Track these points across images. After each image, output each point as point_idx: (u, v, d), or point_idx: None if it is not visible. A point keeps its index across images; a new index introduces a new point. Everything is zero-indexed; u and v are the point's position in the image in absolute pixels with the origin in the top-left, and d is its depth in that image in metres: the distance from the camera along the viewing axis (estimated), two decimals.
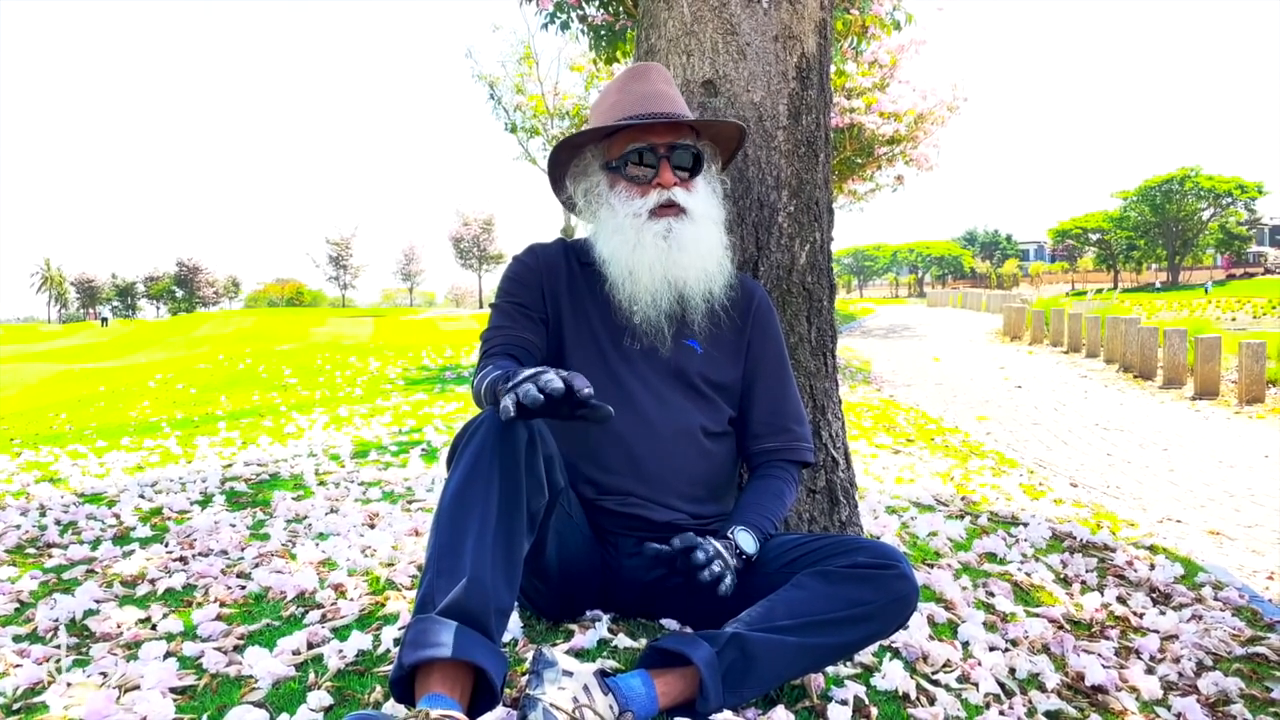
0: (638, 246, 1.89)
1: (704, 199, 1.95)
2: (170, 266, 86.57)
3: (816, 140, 2.38)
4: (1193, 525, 5.07)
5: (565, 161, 2.05)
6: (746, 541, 1.81)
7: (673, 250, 1.88)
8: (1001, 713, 1.84)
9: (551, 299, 1.98)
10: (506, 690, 1.69)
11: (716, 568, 1.67)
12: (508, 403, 1.40)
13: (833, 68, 9.64)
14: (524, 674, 1.71)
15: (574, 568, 1.90)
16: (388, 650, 1.87)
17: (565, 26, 7.72)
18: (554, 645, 1.85)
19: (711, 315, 1.97)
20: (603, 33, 7.47)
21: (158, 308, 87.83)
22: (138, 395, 10.13)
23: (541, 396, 1.39)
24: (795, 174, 2.33)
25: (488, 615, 1.46)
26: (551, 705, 1.45)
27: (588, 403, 1.43)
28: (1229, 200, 53.35)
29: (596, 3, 7.35)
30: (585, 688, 1.50)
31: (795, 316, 2.36)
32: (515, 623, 1.95)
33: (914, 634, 2.04)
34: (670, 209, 1.90)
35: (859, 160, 14.01)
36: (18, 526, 3.10)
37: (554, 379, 1.41)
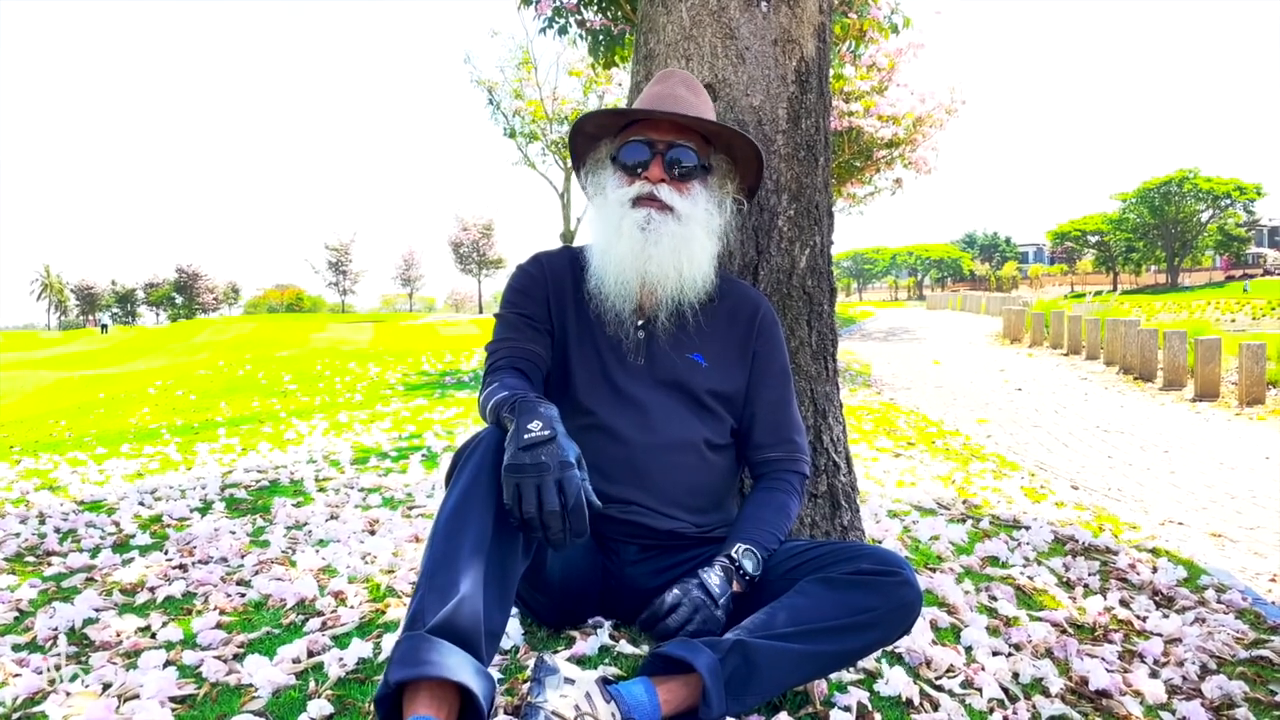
0: (617, 233, 1.89)
1: (697, 205, 1.93)
2: (170, 273, 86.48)
3: (816, 144, 2.37)
4: (1194, 528, 5.06)
5: (584, 153, 2.08)
6: (750, 563, 1.81)
7: (648, 243, 1.87)
8: (1005, 718, 1.83)
9: (557, 309, 1.97)
10: (509, 698, 1.69)
11: (682, 614, 1.69)
12: (530, 508, 1.48)
13: (831, 71, 9.70)
14: (525, 681, 1.70)
15: (575, 578, 1.90)
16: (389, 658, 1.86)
17: (563, 31, 7.72)
18: (556, 652, 1.84)
19: (698, 320, 1.95)
20: (601, 37, 7.47)
21: (157, 314, 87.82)
22: (137, 402, 10.12)
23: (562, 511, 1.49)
24: (795, 178, 2.32)
25: (478, 636, 1.44)
26: (553, 713, 1.44)
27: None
28: (1227, 202, 53.29)
29: (595, 7, 7.35)
30: (587, 695, 1.49)
31: (795, 320, 2.35)
32: (517, 630, 1.94)
33: (917, 639, 2.03)
34: (653, 202, 1.89)
35: (858, 163, 14.03)
36: (17, 535, 3.09)
37: (579, 485, 1.52)
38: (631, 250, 1.87)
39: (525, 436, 1.52)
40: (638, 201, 1.90)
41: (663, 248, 1.87)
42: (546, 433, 1.53)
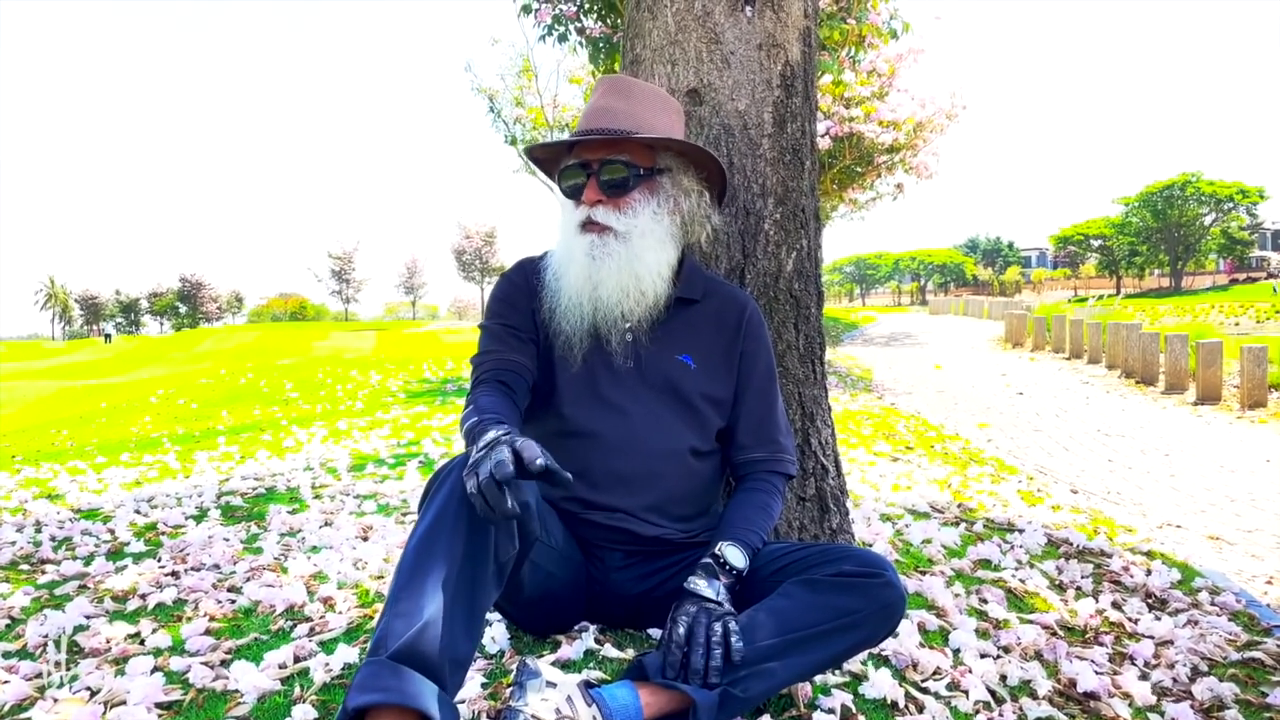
0: (569, 259, 1.91)
1: (639, 216, 1.90)
2: (174, 282, 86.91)
3: (802, 148, 2.38)
4: (1192, 530, 5.05)
5: (552, 174, 2.07)
6: (735, 557, 1.79)
7: (595, 269, 1.87)
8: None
9: (540, 318, 1.97)
10: (492, 702, 1.69)
11: (717, 629, 1.62)
12: (471, 488, 1.43)
13: (830, 77, 9.71)
14: (508, 685, 1.70)
15: (559, 594, 1.89)
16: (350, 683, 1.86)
17: (563, 39, 7.76)
18: (540, 656, 1.84)
19: (687, 321, 1.96)
20: (600, 44, 7.50)
21: (161, 324, 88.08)
22: (139, 411, 10.13)
23: (495, 481, 1.40)
24: (781, 181, 2.33)
25: (442, 664, 1.39)
26: (533, 716, 1.44)
27: (545, 471, 1.43)
28: (1231, 205, 53.13)
29: (594, 15, 7.39)
30: (568, 699, 1.49)
31: (783, 324, 2.35)
32: (502, 634, 1.94)
33: (904, 641, 2.03)
34: (593, 227, 1.89)
35: (859, 169, 14.00)
36: (13, 543, 3.09)
37: (504, 459, 1.41)
38: (581, 275, 1.88)
39: (480, 444, 1.51)
40: (583, 227, 1.90)
41: (608, 270, 1.87)
42: (499, 434, 1.51)
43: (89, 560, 2.84)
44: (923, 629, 2.22)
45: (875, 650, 2.00)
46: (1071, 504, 4.70)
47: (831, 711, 1.71)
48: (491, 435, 1.51)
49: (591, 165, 1.91)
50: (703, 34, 2.29)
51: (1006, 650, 2.22)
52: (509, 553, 1.56)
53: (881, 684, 1.82)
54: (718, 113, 2.30)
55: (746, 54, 2.30)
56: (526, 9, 7.72)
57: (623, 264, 1.87)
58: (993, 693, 1.95)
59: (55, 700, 1.77)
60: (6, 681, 1.86)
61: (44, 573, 2.73)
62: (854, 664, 1.93)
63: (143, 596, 2.42)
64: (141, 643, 2.08)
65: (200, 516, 3.46)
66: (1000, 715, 1.85)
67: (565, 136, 2.00)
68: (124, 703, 1.74)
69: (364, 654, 1.90)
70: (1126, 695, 2.07)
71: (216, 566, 2.71)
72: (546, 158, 2.07)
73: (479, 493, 1.41)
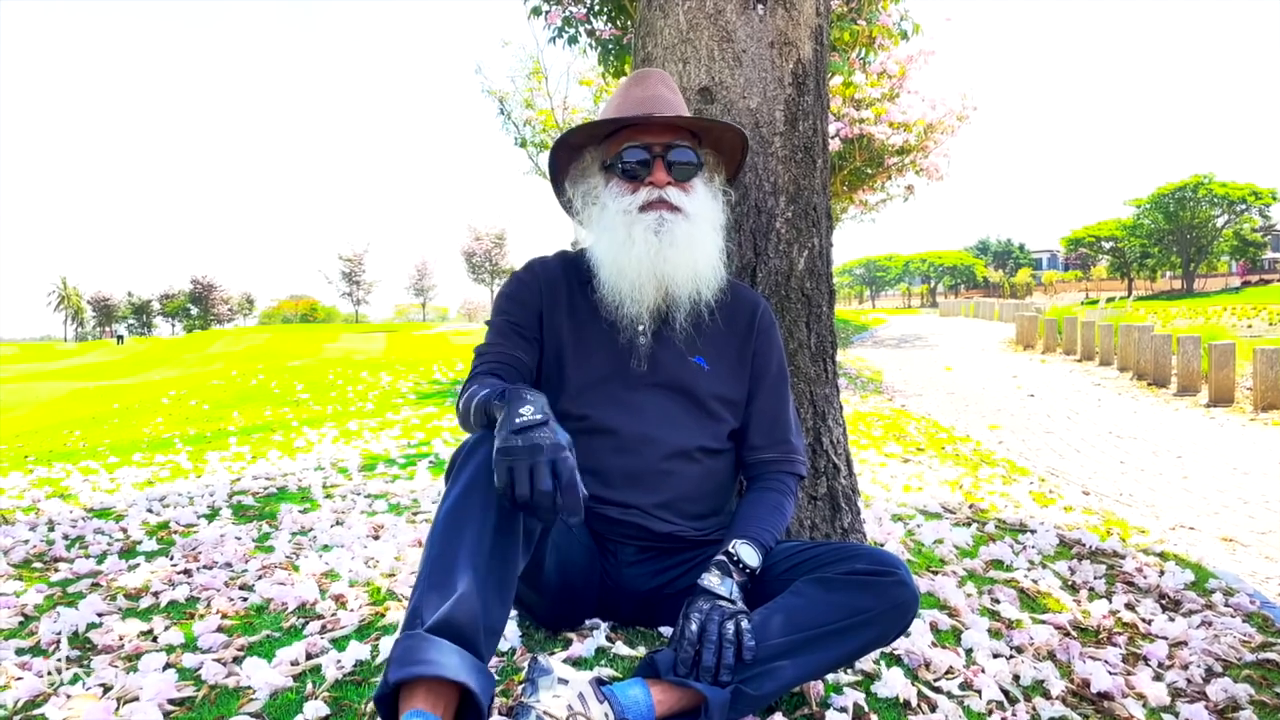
0: (628, 241, 1.88)
1: (701, 201, 1.94)
2: (185, 284, 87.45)
3: (814, 146, 2.37)
4: (1205, 532, 5.02)
5: (565, 165, 2.06)
6: (749, 555, 1.79)
7: (663, 246, 1.86)
8: (1004, 719, 1.83)
9: (550, 317, 1.97)
10: (503, 699, 1.69)
11: (730, 628, 1.61)
12: (503, 475, 1.45)
13: (841, 78, 9.69)
14: (521, 682, 1.70)
15: (573, 580, 1.90)
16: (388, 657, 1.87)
17: (573, 41, 7.78)
18: (551, 653, 1.84)
19: (699, 323, 1.94)
20: (610, 47, 7.51)
21: (173, 325, 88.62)
22: (151, 412, 10.17)
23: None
24: (793, 180, 2.33)
25: (477, 633, 1.42)
26: (545, 713, 1.44)
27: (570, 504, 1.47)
28: (1243, 207, 52.91)
29: (604, 17, 7.39)
30: (580, 696, 1.49)
31: (794, 323, 2.35)
32: (513, 631, 1.94)
33: (916, 641, 2.03)
34: (662, 205, 1.89)
35: (869, 170, 13.98)
36: (26, 541, 3.11)
37: (546, 482, 1.44)
38: (647, 255, 1.86)
39: (517, 420, 1.50)
40: (646, 207, 1.89)
41: (678, 249, 1.87)
42: (539, 417, 1.51)
43: (102, 558, 2.85)
44: (935, 628, 2.21)
45: (887, 649, 1.99)
46: (1084, 505, 4.68)
47: (844, 710, 1.70)
48: (530, 408, 1.52)
49: (655, 148, 1.92)
50: (714, 32, 2.29)
51: (1019, 650, 2.21)
52: (535, 522, 1.59)
53: (894, 683, 1.82)
54: (729, 110, 2.29)
55: (758, 52, 2.30)
56: (536, 11, 7.74)
57: (691, 241, 1.88)
58: (1006, 692, 1.94)
59: (68, 697, 1.78)
60: (19, 678, 1.87)
61: (57, 571, 2.74)
62: (866, 663, 1.92)
63: (155, 594, 2.43)
64: (154, 640, 2.09)
65: (212, 515, 3.47)
66: (1014, 715, 1.84)
67: (617, 117, 1.94)
68: (136, 699, 1.74)
69: (375, 651, 1.90)
70: (1140, 696, 2.06)
71: (228, 564, 2.72)
72: (579, 143, 2.03)
73: (530, 499, 1.43)
